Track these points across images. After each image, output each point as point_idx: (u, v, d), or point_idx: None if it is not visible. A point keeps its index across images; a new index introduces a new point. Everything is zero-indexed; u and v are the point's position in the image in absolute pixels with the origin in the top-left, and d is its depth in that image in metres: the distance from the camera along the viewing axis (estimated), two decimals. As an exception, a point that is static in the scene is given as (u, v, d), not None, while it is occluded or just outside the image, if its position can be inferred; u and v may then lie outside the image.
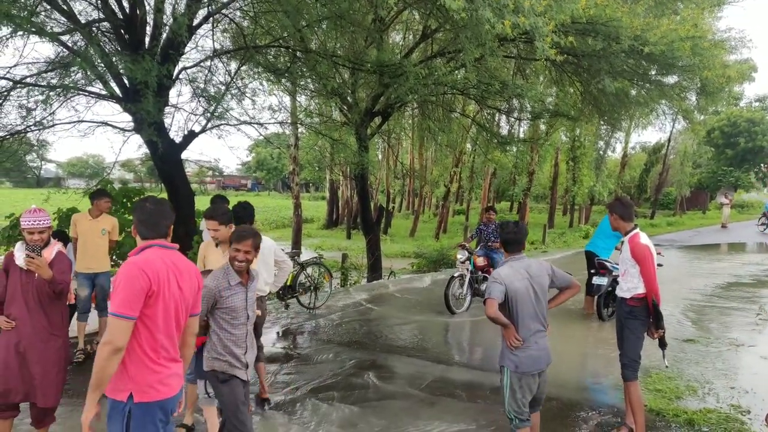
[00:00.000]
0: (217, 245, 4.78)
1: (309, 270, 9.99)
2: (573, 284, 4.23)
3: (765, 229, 28.34)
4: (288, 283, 9.44)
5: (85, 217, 6.92)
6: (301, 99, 15.73)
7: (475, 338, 8.46)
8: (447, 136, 17.79)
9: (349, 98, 12.64)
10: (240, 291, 3.76)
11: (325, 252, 19.64)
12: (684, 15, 12.57)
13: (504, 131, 22.55)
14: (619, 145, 35.20)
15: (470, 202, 35.41)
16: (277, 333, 8.44)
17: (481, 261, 10.08)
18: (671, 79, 13.44)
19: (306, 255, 14.95)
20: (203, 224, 5.18)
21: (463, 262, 9.86)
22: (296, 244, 19.78)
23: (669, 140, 39.02)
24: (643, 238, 4.72)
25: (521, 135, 23.54)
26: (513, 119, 18.86)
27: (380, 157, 31.50)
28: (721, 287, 12.47)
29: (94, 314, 7.11)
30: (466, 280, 9.79)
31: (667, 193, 44.44)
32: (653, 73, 12.82)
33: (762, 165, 46.16)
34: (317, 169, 32.39)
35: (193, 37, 9.00)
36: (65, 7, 7.77)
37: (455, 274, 9.78)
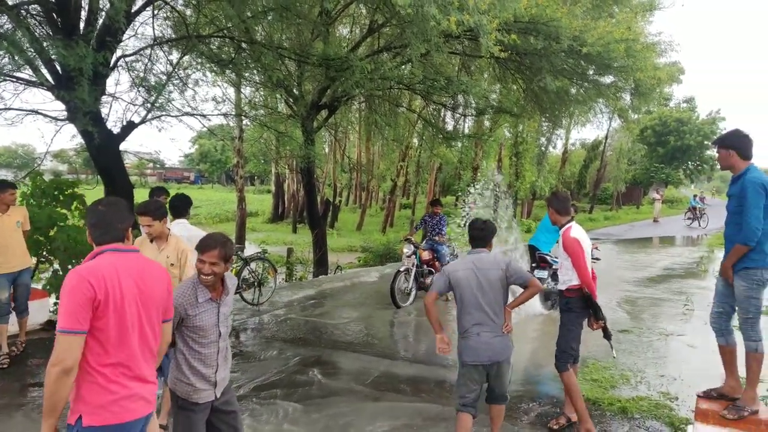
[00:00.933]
0: (152, 241, 4.60)
1: (252, 265, 9.84)
2: (531, 284, 4.18)
3: (691, 223, 29.90)
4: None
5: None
6: (246, 91, 15.43)
7: (420, 332, 8.56)
8: (393, 131, 17.88)
9: (295, 90, 12.48)
10: (210, 308, 3.30)
11: (271, 247, 19.41)
12: (619, 18, 13.09)
13: (449, 126, 22.82)
14: (560, 141, 36.33)
15: (416, 196, 35.74)
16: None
17: (426, 255, 10.20)
18: (608, 79, 13.94)
19: (250, 250, 14.73)
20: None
21: (409, 256, 9.95)
22: (240, 238, 19.43)
23: (606, 137, 40.58)
24: (574, 231, 4.80)
25: (466, 130, 23.88)
26: (458, 115, 19.15)
27: (327, 150, 31.31)
28: (652, 279, 13.09)
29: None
30: (412, 273, 9.89)
31: (604, 189, 46.22)
32: (591, 72, 13.26)
33: (690, 162, 48.56)
34: (262, 162, 31.87)
35: (132, 24, 8.65)
36: (-10, -12, 7.31)
37: (401, 269, 9.86)
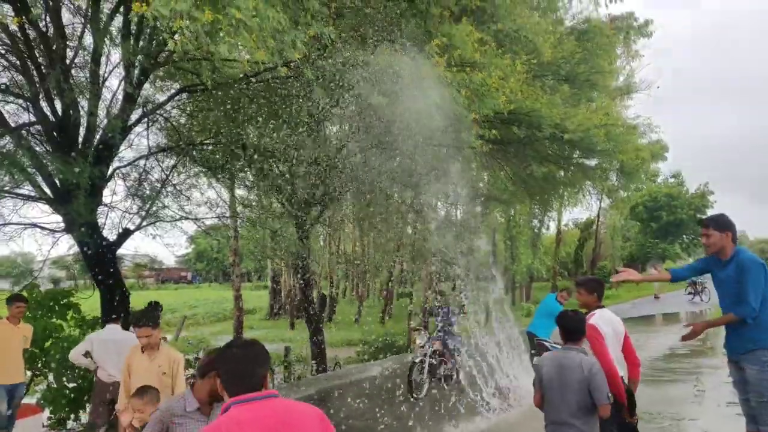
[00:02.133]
0: (143, 351, 4.55)
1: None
2: (601, 407, 3.87)
3: (692, 298, 29.67)
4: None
5: (4, 324, 6.51)
6: (240, 191, 15.76)
7: (436, 426, 8.25)
8: (386, 223, 18.11)
9: (289, 188, 12.77)
10: (196, 421, 3.14)
11: (268, 344, 18.98)
12: (598, 104, 13.71)
13: (441, 214, 23.14)
14: (553, 223, 36.72)
15: (414, 284, 35.55)
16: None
17: (437, 345, 10.13)
18: (592, 162, 14.37)
19: (248, 350, 14.42)
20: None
21: (422, 346, 9.82)
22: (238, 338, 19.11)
23: (598, 216, 41.10)
24: (594, 318, 4.49)
25: (458, 217, 24.23)
26: (448, 204, 19.49)
27: (322, 243, 31.49)
28: (659, 359, 12.82)
29: None
30: (426, 364, 9.72)
31: (602, 267, 46.17)
32: (576, 156, 13.69)
33: (684, 236, 48.94)
34: (259, 259, 31.96)
35: (127, 137, 9.02)
36: (-6, 112, 7.69)
37: (416, 359, 9.70)
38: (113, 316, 7.26)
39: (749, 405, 4.29)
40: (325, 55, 7.41)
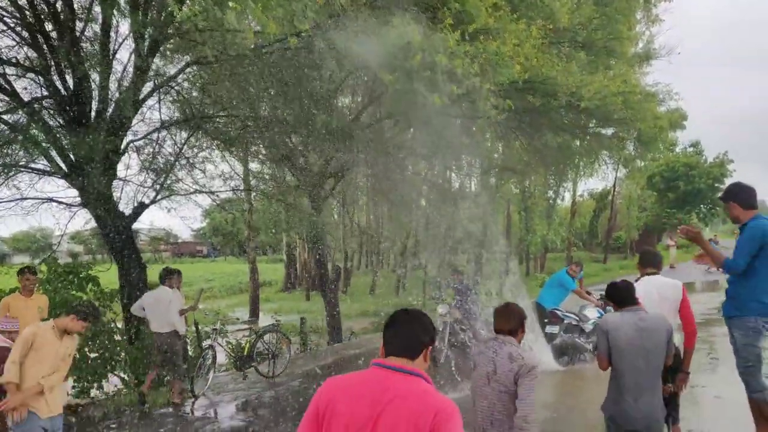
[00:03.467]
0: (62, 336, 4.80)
1: (266, 337, 9.76)
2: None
3: (708, 268, 29.40)
4: (245, 353, 9.20)
5: (17, 297, 6.64)
6: (253, 165, 15.78)
7: (453, 391, 8.34)
8: (399, 194, 18.06)
9: (301, 162, 12.77)
10: None
11: (284, 316, 19.28)
12: (615, 71, 13.38)
13: (455, 186, 23.05)
14: (568, 193, 36.42)
15: (428, 257, 35.62)
16: (236, 406, 8.14)
17: (457, 313, 10.19)
18: (609, 131, 14.11)
19: (264, 321, 14.65)
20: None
21: (443, 315, 9.89)
22: (254, 310, 19.37)
23: (614, 186, 40.64)
24: (639, 285, 4.45)
25: (472, 188, 24.12)
26: (463, 175, 19.36)
27: (336, 216, 31.58)
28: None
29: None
30: (446, 333, 9.79)
31: (617, 237, 45.86)
32: (592, 125, 13.44)
33: (702, 206, 48.31)
34: (273, 232, 32.17)
35: (140, 110, 9.01)
36: (7, 87, 7.70)
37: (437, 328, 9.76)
38: (166, 277, 7.88)
39: (739, 371, 4.34)
40: (336, 24, 7.29)
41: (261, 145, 11.24)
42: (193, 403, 7.99)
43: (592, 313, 10.03)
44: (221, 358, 9.64)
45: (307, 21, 5.65)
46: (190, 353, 9.22)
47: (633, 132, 13.81)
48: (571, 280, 10.01)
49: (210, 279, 38.67)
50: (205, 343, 9.01)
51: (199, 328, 10.13)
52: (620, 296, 4.02)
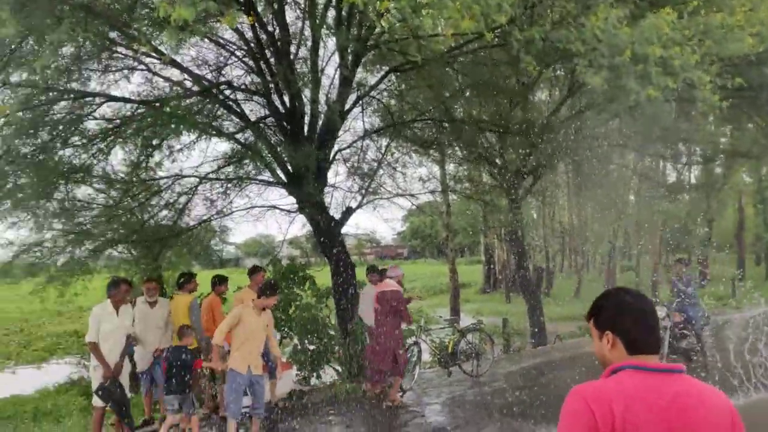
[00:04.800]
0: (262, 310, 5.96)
1: (469, 336, 9.77)
2: None
3: None
4: (449, 351, 9.32)
5: (250, 293, 7.42)
6: (450, 166, 16.01)
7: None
8: (605, 190, 16.86)
9: (497, 161, 12.60)
10: None
11: (485, 317, 19.16)
12: None
13: (671, 178, 20.83)
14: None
15: (639, 258, 32.71)
16: (442, 403, 8.26)
17: (677, 317, 9.27)
18: None
19: (465, 321, 14.72)
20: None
21: (662, 319, 9.06)
22: (454, 310, 19.61)
23: None
24: None
25: (692, 181, 21.54)
26: (680, 165, 17.39)
27: (535, 216, 30.62)
28: None
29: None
30: (666, 337, 8.94)
31: None
32: None
33: None
34: (471, 233, 32.30)
35: (345, 121, 9.69)
36: (238, 110, 8.83)
37: None
38: (374, 275, 8.37)
39: None
40: (533, 16, 7.02)
41: (457, 147, 11.33)
42: (401, 396, 8.28)
43: None
44: (426, 355, 9.88)
45: (504, 15, 5.50)
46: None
47: None
48: None
49: (412, 279, 40.14)
50: (410, 340, 9.30)
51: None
52: None
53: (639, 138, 11.18)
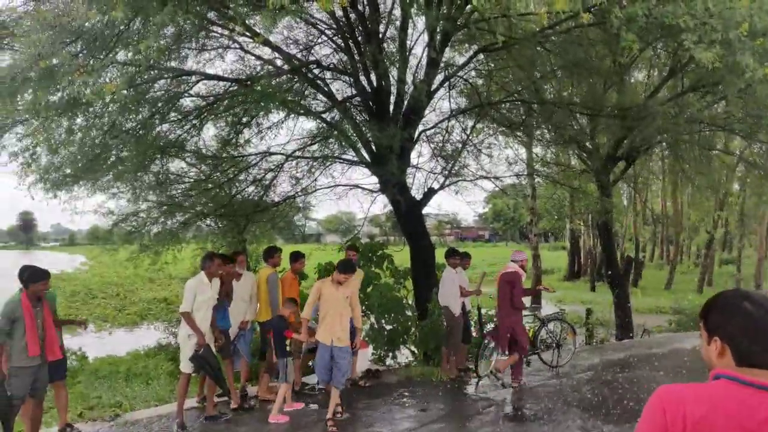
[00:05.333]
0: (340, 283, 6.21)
1: (550, 326, 9.53)
2: None
3: None
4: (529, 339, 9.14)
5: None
6: (537, 149, 15.53)
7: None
8: (706, 177, 15.75)
9: (588, 145, 12.08)
10: None
11: (567, 306, 18.64)
12: None
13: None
14: None
15: (741, 250, 30.52)
16: (518, 391, 8.14)
17: None
18: None
19: (547, 309, 14.37)
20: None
21: None
22: (536, 297, 19.14)
23: None
24: None
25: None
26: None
27: (626, 202, 29.22)
28: None
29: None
30: None
31: None
32: None
33: None
34: (556, 218, 31.34)
35: (430, 101, 9.59)
36: (325, 89, 8.95)
37: None
38: (455, 258, 8.46)
39: None
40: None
41: (546, 129, 10.95)
42: (477, 383, 8.23)
43: None
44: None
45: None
46: (474, 335, 9.52)
47: None
48: None
49: (492, 263, 39.67)
50: (489, 327, 9.20)
51: (482, 312, 10.40)
52: None
53: (748, 122, 10.30)
